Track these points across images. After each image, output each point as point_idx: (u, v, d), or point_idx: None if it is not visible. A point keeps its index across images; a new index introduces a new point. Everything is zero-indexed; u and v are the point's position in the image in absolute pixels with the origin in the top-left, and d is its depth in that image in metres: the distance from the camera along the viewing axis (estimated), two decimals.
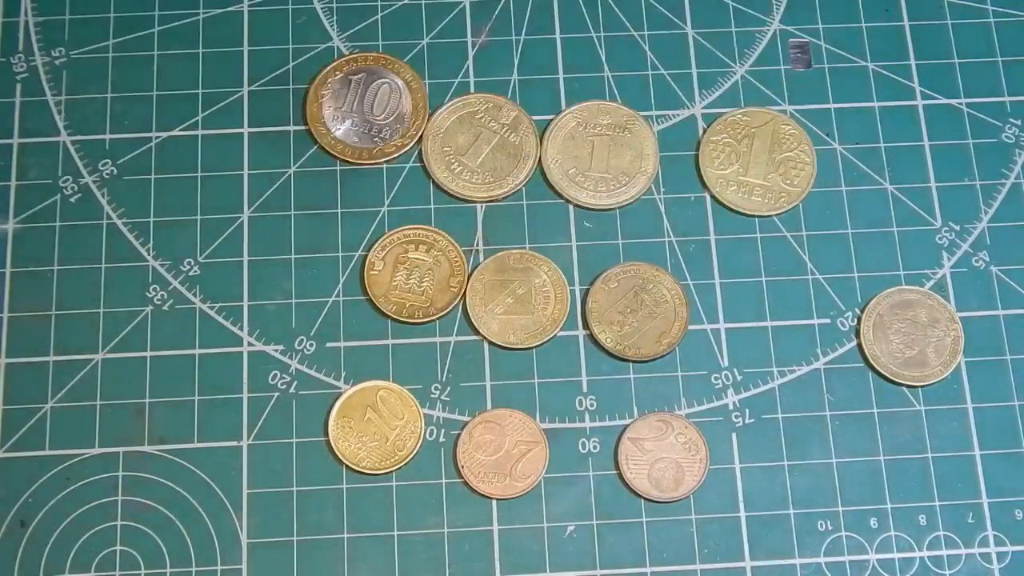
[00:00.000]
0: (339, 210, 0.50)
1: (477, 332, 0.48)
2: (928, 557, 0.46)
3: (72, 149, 0.50)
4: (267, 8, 0.52)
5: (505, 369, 0.48)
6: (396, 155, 0.50)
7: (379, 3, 0.52)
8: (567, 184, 0.50)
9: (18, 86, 0.51)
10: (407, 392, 0.47)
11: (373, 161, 0.50)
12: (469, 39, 0.52)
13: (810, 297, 0.49)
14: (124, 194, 0.49)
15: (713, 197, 0.50)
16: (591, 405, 0.48)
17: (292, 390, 0.47)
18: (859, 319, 0.49)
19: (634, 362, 0.48)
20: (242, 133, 0.50)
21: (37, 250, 0.49)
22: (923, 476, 0.47)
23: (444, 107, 0.51)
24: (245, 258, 0.49)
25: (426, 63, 0.52)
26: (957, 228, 0.50)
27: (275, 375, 0.48)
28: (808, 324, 0.49)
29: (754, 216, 0.50)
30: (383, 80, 0.51)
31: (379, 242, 0.49)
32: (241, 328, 0.48)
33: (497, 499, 0.46)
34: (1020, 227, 0.50)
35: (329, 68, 0.51)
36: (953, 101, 0.52)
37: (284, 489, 0.46)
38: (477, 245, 0.49)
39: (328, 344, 0.48)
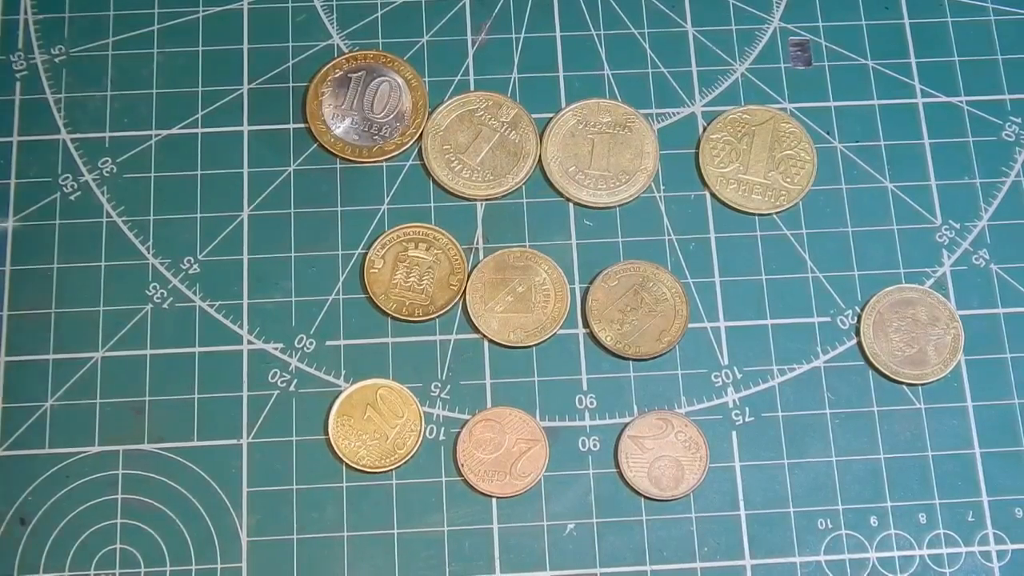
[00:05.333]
0: (339, 208, 0.50)
1: (477, 330, 0.48)
2: (928, 555, 0.46)
3: (72, 147, 0.50)
4: (267, 6, 0.52)
5: (505, 367, 0.48)
6: (396, 153, 0.50)
7: (379, 1, 0.52)
8: (567, 182, 0.50)
9: (18, 84, 0.51)
10: (407, 390, 0.47)
11: (373, 159, 0.50)
12: (469, 37, 0.52)
13: (810, 295, 0.49)
14: (124, 192, 0.49)
15: (713, 195, 0.50)
16: (591, 403, 0.48)
17: (292, 388, 0.47)
18: (859, 317, 0.49)
19: (634, 360, 0.48)
20: (242, 131, 0.50)
21: (37, 248, 0.49)
22: (923, 474, 0.47)
23: (444, 105, 0.51)
24: (245, 256, 0.49)
25: (426, 61, 0.51)
26: (957, 226, 0.50)
27: (275, 373, 0.48)
28: (808, 322, 0.49)
29: (754, 214, 0.50)
30: (383, 78, 0.51)
31: (379, 240, 0.49)
32: (241, 326, 0.48)
33: (497, 497, 0.46)
34: (1020, 225, 0.50)
35: (329, 66, 0.51)
36: (953, 99, 0.52)
37: (284, 487, 0.46)
38: (477, 243, 0.49)
39: (328, 342, 0.48)
